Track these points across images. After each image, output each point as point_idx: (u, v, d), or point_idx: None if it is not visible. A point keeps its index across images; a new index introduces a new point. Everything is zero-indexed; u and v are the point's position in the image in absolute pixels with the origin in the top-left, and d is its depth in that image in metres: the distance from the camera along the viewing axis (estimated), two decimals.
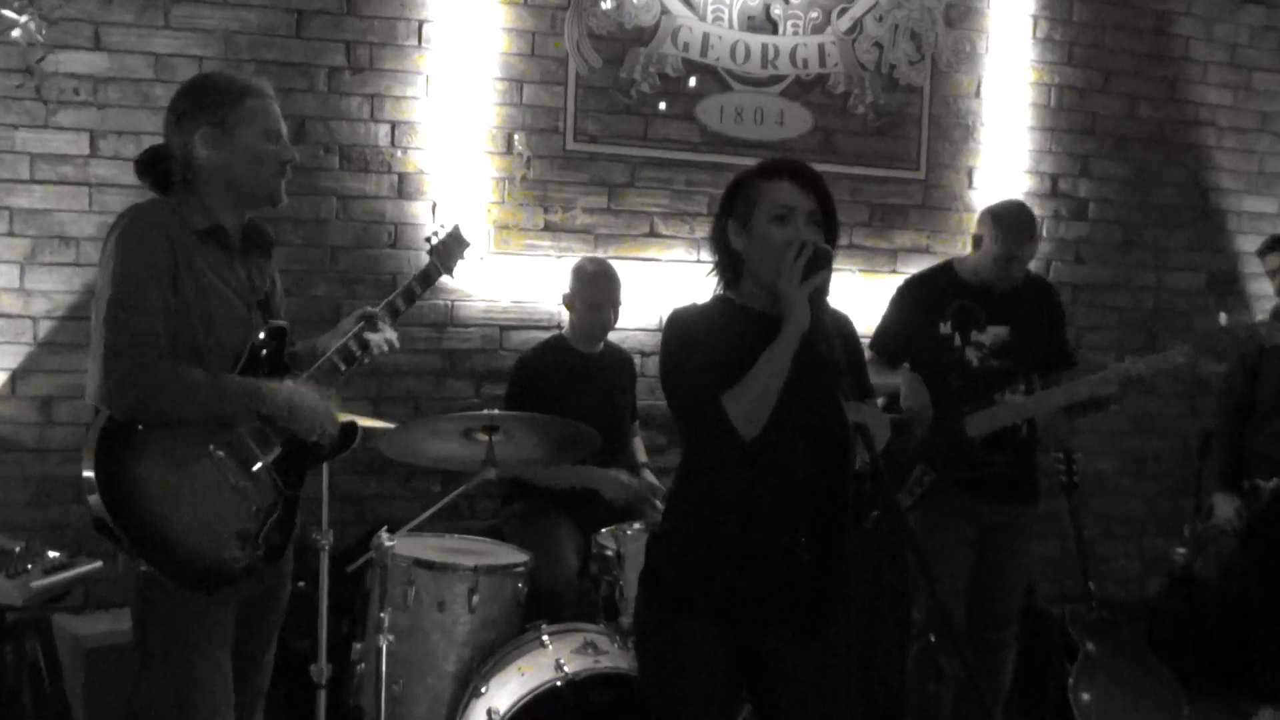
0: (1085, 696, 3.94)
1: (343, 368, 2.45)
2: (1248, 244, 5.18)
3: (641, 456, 4.01)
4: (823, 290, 2.13)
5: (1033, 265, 4.83)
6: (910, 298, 3.50)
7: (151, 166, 2.33)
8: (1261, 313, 5.05)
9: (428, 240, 2.80)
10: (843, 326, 2.31)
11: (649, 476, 3.80)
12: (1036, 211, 4.73)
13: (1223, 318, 3.31)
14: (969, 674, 2.61)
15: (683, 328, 2.24)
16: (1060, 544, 4.60)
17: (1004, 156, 4.78)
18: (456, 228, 2.83)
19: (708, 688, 2.19)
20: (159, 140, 2.35)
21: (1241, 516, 4.16)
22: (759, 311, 2.22)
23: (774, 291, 2.17)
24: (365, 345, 2.48)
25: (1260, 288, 5.18)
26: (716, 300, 2.32)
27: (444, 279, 4.07)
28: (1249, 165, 5.19)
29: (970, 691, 3.03)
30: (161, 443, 2.17)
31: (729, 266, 2.29)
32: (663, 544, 2.29)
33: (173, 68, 3.82)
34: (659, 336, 4.34)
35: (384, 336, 2.51)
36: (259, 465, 2.31)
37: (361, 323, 2.52)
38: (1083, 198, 4.94)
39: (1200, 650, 4.52)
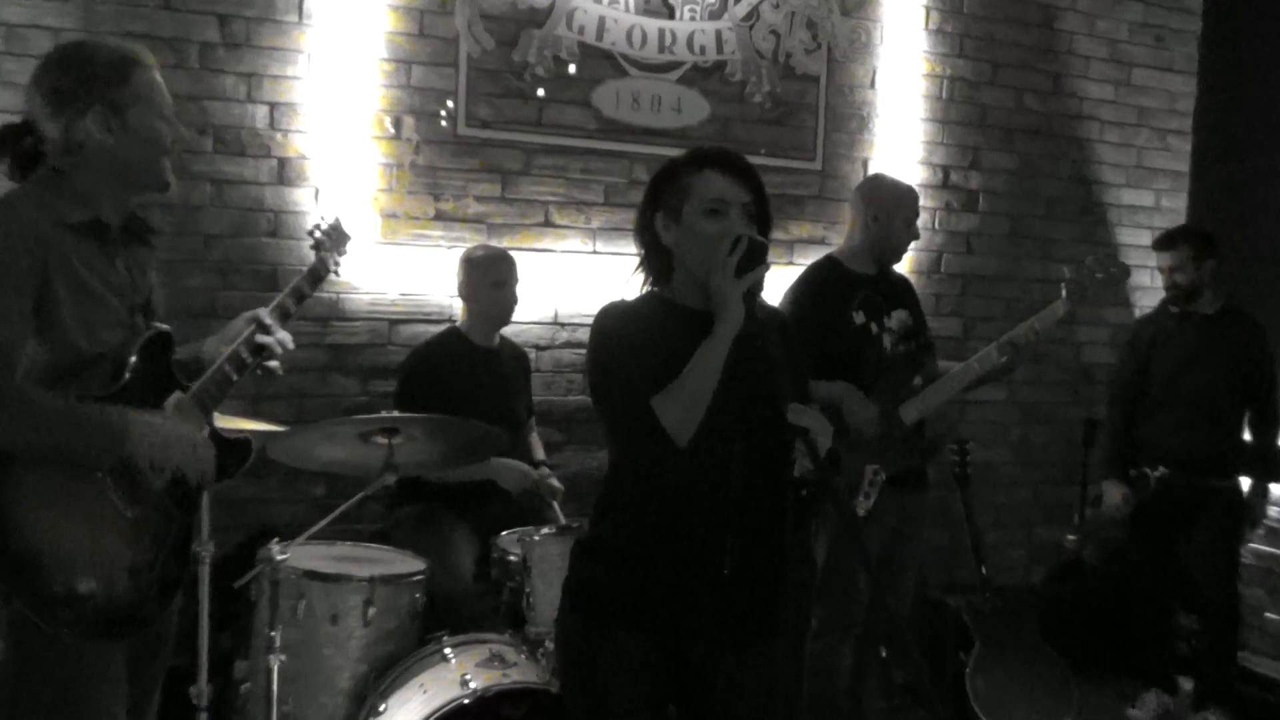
0: (981, 685, 4.01)
1: (235, 377, 2.24)
2: (1127, 237, 5.35)
3: (539, 454, 3.92)
4: (759, 286, 2.06)
5: (925, 257, 4.94)
6: (813, 294, 3.47)
7: (12, 144, 2.08)
8: (1141, 308, 5.21)
9: (310, 234, 2.61)
10: (779, 323, 2.24)
11: (549, 479, 3.70)
12: (929, 203, 4.86)
13: (1066, 270, 3.44)
14: (922, 685, 2.59)
15: (611, 326, 2.13)
16: (951, 534, 4.68)
17: (898, 148, 4.81)
18: (338, 220, 2.65)
19: (636, 703, 2.10)
20: (11, 118, 2.12)
21: (1129, 503, 4.29)
22: (691, 309, 2.14)
23: (707, 287, 2.08)
24: (258, 350, 2.29)
25: (1139, 280, 5.34)
26: (647, 297, 2.22)
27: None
28: (1128, 159, 5.33)
29: (921, 700, 3.05)
30: (41, 467, 1.94)
31: (658, 262, 2.19)
32: (590, 553, 2.19)
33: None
34: (555, 330, 4.29)
35: (277, 338, 2.32)
36: (153, 490, 2.08)
37: (253, 325, 2.31)
38: (973, 189, 5.01)
39: (1087, 635, 4.65)
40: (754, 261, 2.04)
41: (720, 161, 2.14)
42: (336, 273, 2.63)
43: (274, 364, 2.32)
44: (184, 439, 2.07)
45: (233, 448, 2.29)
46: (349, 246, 2.66)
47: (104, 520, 2.02)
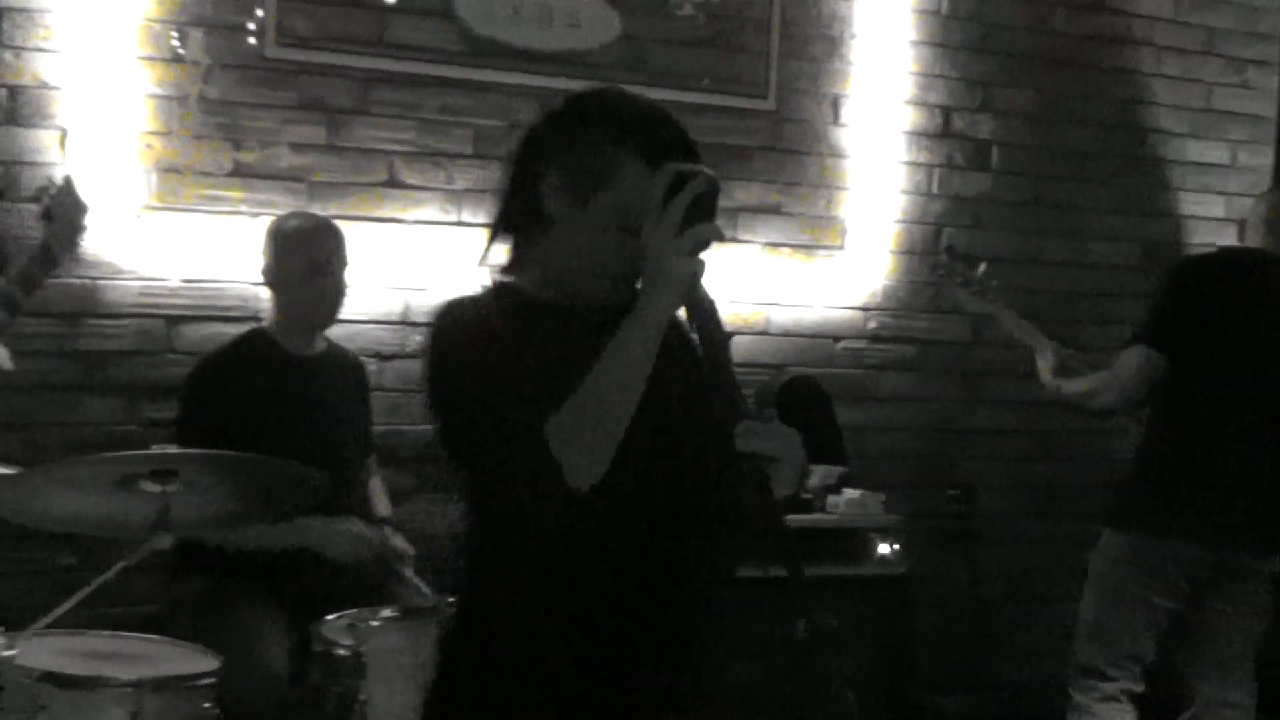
0: None
1: None
2: (1192, 204, 5.49)
3: (382, 508, 3.94)
4: (708, 244, 1.94)
5: (917, 230, 5.04)
6: None
7: None
8: None
9: (38, 200, 2.60)
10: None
11: (396, 540, 3.75)
12: (924, 158, 4.98)
13: None
14: None
15: (462, 331, 2.14)
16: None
17: (880, 82, 4.93)
18: (69, 182, 2.64)
19: None
20: None
21: None
22: (550, 303, 2.14)
23: (582, 282, 2.10)
24: None
25: None
26: (495, 290, 2.23)
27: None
28: (1194, 98, 5.49)
29: None
30: None
31: (530, 231, 2.16)
32: (465, 652, 2.23)
33: None
34: (404, 333, 4.31)
35: None
36: None
37: None
38: (983, 139, 5.14)
39: None
40: (709, 208, 1.93)
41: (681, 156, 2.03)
42: (76, 250, 2.60)
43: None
44: None
45: None
46: (88, 219, 2.63)
47: None
